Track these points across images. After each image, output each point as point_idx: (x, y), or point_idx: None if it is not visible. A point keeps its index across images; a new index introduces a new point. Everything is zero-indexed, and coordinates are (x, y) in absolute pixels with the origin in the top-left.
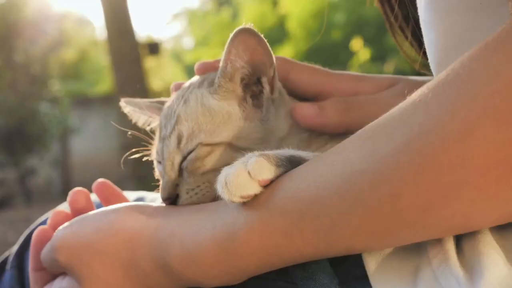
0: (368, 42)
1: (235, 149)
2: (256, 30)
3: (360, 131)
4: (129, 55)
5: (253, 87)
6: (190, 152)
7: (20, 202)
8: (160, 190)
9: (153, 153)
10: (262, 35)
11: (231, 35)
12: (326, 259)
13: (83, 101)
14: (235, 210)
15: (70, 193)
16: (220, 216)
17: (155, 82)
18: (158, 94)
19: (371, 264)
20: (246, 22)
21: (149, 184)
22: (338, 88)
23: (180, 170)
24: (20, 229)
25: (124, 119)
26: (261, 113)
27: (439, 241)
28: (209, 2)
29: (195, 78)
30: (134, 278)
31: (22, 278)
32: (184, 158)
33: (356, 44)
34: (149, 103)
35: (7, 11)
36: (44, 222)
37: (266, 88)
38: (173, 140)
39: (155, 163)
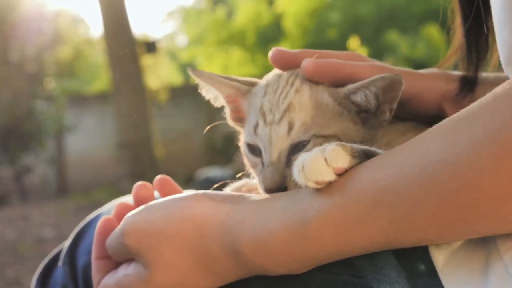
0: (365, 41)
1: None
2: (402, 77)
3: (438, 124)
4: (126, 54)
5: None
6: (303, 142)
7: (16, 200)
8: (263, 180)
9: (243, 139)
10: (403, 79)
11: (379, 76)
12: (391, 253)
13: (79, 99)
14: (308, 197)
15: (135, 186)
16: (292, 203)
17: (152, 80)
18: (155, 92)
19: (439, 259)
20: (241, 21)
21: None
22: (431, 89)
23: (287, 160)
24: (17, 227)
25: (119, 117)
26: (361, 122)
27: (509, 236)
28: (203, 1)
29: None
30: (202, 263)
31: (74, 275)
32: (294, 147)
33: (353, 43)
34: (220, 78)
35: (1, 9)
36: (95, 219)
37: (387, 114)
38: (283, 126)
39: (244, 150)
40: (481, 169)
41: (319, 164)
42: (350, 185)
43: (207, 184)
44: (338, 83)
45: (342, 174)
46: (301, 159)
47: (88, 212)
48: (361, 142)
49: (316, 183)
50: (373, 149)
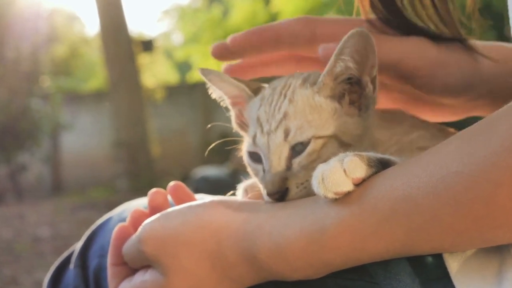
0: None
1: (342, 144)
2: (368, 32)
3: (456, 134)
4: (123, 52)
5: (351, 85)
6: (301, 143)
7: (11, 198)
8: (264, 185)
9: (245, 148)
10: (373, 37)
11: (346, 36)
12: (405, 260)
13: (75, 98)
14: (326, 205)
15: (149, 193)
16: (309, 211)
17: (148, 79)
18: (151, 91)
19: (453, 266)
20: (237, 20)
21: (142, 182)
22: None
23: (288, 164)
24: (13, 226)
25: (116, 115)
26: (358, 110)
27: None
28: None
29: (290, 76)
30: (219, 269)
31: (85, 278)
32: (293, 150)
33: None
34: (226, 78)
35: None
36: (106, 222)
37: (370, 87)
38: (280, 133)
39: (246, 159)
40: (498, 180)
41: (338, 175)
42: (368, 194)
43: (203, 183)
44: None
45: (359, 184)
46: (320, 170)
47: (84, 211)
48: (361, 135)
49: (336, 193)
50: (387, 157)
